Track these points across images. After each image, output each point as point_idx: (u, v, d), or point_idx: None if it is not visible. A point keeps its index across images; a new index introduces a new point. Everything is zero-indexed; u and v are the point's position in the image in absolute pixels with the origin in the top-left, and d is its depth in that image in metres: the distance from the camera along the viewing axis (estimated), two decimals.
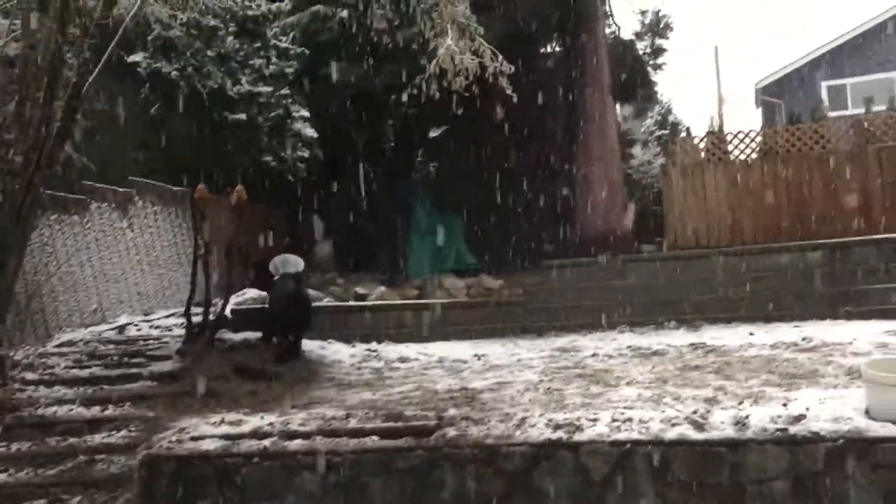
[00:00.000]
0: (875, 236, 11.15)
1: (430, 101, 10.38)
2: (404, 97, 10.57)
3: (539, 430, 5.14)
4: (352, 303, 11.75)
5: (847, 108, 22.15)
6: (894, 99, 18.62)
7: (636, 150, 18.19)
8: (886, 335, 8.40)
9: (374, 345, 10.31)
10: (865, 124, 13.63)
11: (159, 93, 8.68)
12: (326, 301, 11.78)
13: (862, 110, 17.84)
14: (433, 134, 16.04)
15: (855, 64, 23.45)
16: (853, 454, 4.51)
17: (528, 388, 6.90)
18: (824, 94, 23.61)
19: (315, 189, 13.68)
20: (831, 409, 4.85)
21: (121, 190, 11.96)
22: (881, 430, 4.54)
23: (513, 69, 9.61)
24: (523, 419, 5.37)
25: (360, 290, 12.25)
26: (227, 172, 9.37)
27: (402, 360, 9.51)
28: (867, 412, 4.72)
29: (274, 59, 9.37)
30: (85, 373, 8.19)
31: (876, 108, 17.03)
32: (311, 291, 12.06)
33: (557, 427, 5.14)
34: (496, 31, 10.84)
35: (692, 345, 8.92)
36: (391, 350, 10.07)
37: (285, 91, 9.38)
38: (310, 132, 9.88)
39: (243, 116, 8.61)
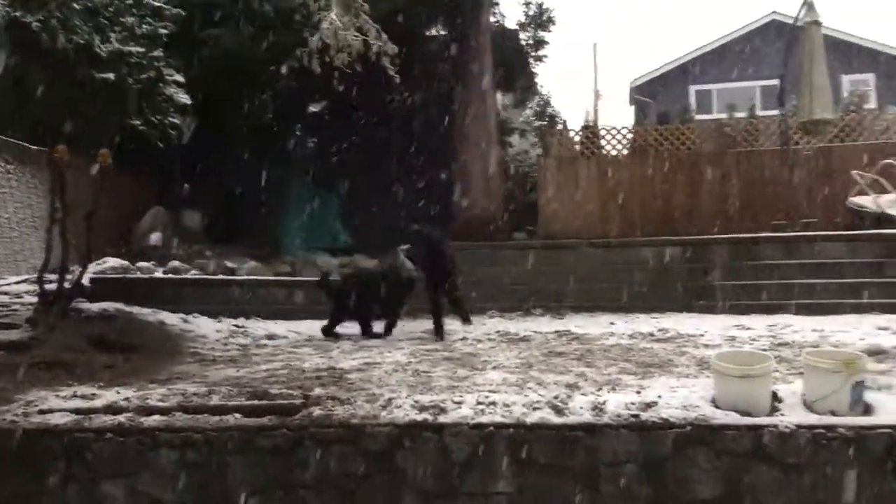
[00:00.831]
0: (730, 236, 11.80)
1: (312, 76, 10.18)
2: (284, 69, 10.36)
3: (404, 412, 5.18)
4: (220, 276, 11.42)
5: (712, 112, 23.34)
6: (754, 107, 19.76)
7: (514, 139, 18.51)
8: (735, 329, 8.91)
9: (241, 320, 10.06)
10: (727, 129, 14.40)
11: (18, 44, 8.08)
12: (193, 273, 11.41)
13: (726, 115, 18.87)
14: (313, 109, 15.78)
15: (721, 71, 24.71)
16: (699, 440, 4.77)
17: (396, 370, 6.91)
18: (692, 98, 24.78)
19: (187, 158, 13.20)
20: (681, 398, 5.12)
21: None
22: (725, 418, 4.82)
23: (397, 50, 9.55)
24: (389, 400, 5.39)
25: (229, 263, 11.94)
26: (91, 134, 8.86)
27: (270, 337, 9.34)
28: (714, 401, 5.01)
29: (147, 19, 8.93)
30: None
31: (738, 114, 18.03)
32: (177, 263, 11.66)
33: (423, 409, 5.19)
34: (382, 10, 10.76)
35: (557, 332, 9.17)
36: (259, 326, 9.86)
37: (158, 53, 8.95)
38: (183, 98, 9.49)
39: (111, 76, 8.15)
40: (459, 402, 5.26)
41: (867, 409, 4.87)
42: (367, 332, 9.33)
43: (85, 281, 9.24)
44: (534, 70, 17.33)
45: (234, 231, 14.29)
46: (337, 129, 15.04)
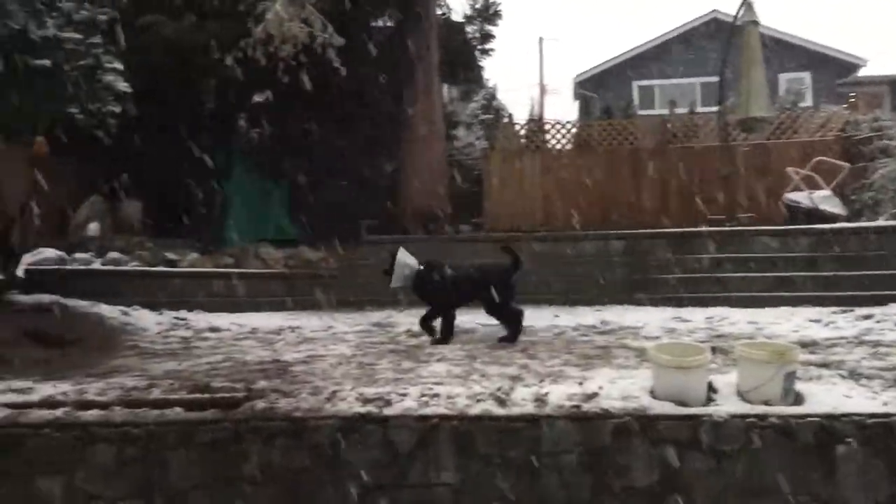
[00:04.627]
0: (669, 229, 12.05)
1: (256, 65, 10.07)
2: (228, 59, 10.19)
3: (349, 404, 5.18)
4: (161, 268, 11.23)
5: (655, 107, 23.77)
6: (694, 103, 20.14)
7: (460, 131, 18.56)
8: (674, 321, 9.12)
9: (183, 313, 9.94)
10: (668, 125, 14.66)
11: None
12: (133, 265, 11.20)
13: (667, 111, 19.21)
14: (257, 99, 15.56)
15: (663, 67, 25.16)
16: (637, 430, 4.88)
17: (341, 362, 6.91)
18: (636, 93, 25.17)
19: (126, 147, 12.90)
20: (621, 388, 5.23)
21: None
22: (662, 408, 4.94)
23: (343, 41, 9.51)
24: (334, 393, 5.39)
25: (170, 255, 11.73)
26: (26, 122, 8.62)
27: (213, 329, 9.23)
28: (652, 392, 5.13)
29: (85, 4, 8.69)
30: None
31: (679, 111, 18.37)
32: (116, 255, 11.45)
33: (367, 401, 5.20)
34: (328, 0, 10.67)
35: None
36: (201, 319, 9.74)
37: (97, 40, 8.72)
38: (123, 86, 9.24)
39: (48, 63, 7.93)
40: (404, 395, 5.29)
41: (798, 399, 5.03)
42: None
43: (19, 272, 9.01)
44: (480, 63, 17.40)
45: (175, 222, 14.02)
46: (282, 119, 14.87)
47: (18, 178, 9.74)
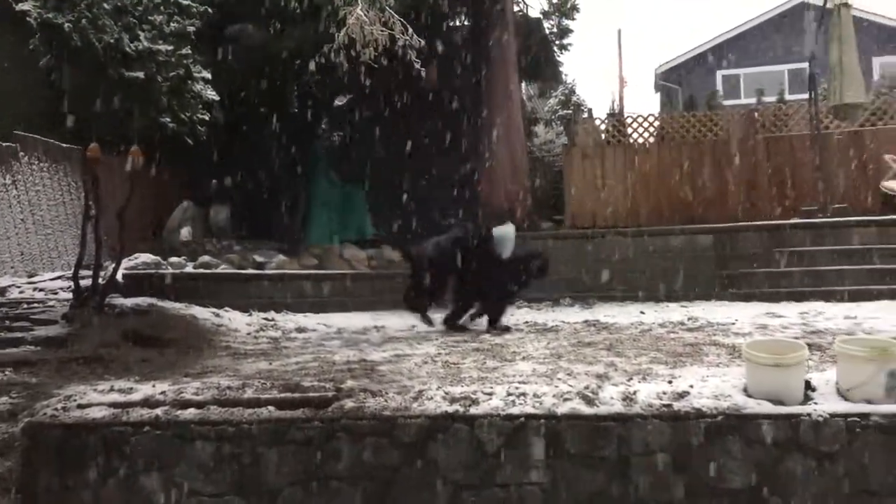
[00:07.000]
0: (759, 223, 11.71)
1: (338, 70, 10.23)
2: (311, 65, 10.39)
3: (436, 403, 5.21)
4: (250, 271, 11.54)
5: (740, 97, 23.09)
6: (783, 91, 19.49)
7: (539, 128, 18.46)
8: (766, 317, 8.88)
9: (271, 314, 10.18)
10: (756, 114, 14.23)
11: (50, 45, 8.20)
12: (223, 268, 11.54)
13: (754, 100, 18.65)
14: (338, 103, 15.84)
15: (749, 55, 24.41)
16: (731, 429, 4.76)
17: (426, 361, 6.95)
18: (719, 83, 24.50)
19: (214, 153, 13.30)
20: (713, 387, 5.11)
21: (3, 144, 11.35)
22: (757, 407, 4.81)
23: (422, 42, 9.58)
24: (421, 392, 5.42)
25: (258, 257, 12.05)
26: (121, 132, 9.00)
27: (301, 330, 9.43)
28: (745, 390, 4.99)
29: (175, 17, 9.00)
30: None
31: (766, 99, 17.82)
32: (207, 258, 11.79)
33: (454, 400, 5.22)
34: (406, 3, 10.75)
35: (586, 322, 9.18)
36: (289, 320, 9.97)
37: (186, 51, 9.02)
38: (211, 94, 9.55)
39: (141, 74, 8.25)
40: (490, 394, 5.28)
41: None
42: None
43: (118, 276, 9.39)
44: (558, 59, 17.26)
45: (261, 225, 14.39)
46: (362, 122, 15.10)
47: (116, 184, 10.17)
